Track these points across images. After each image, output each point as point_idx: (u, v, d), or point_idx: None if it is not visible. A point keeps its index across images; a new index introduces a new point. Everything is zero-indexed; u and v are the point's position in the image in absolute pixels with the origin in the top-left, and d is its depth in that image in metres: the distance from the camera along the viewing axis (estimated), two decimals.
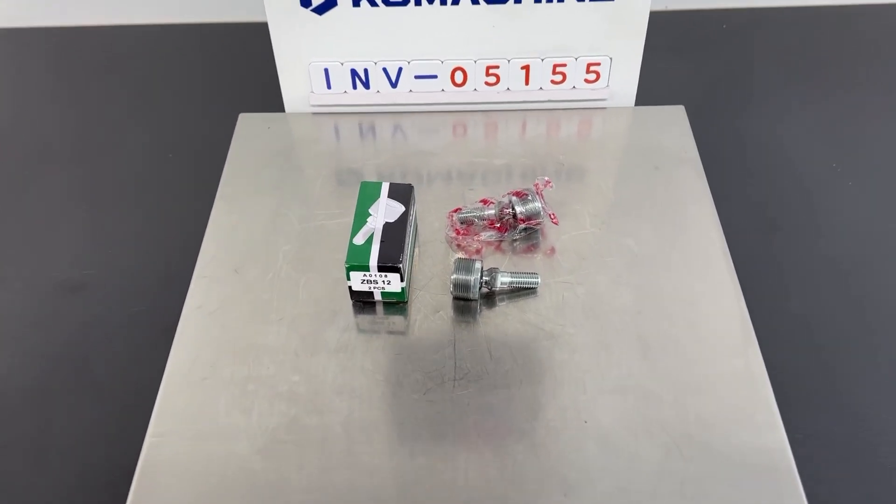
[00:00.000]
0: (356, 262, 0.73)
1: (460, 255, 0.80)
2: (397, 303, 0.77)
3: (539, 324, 0.74)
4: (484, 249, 0.81)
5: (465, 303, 0.76)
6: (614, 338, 0.73)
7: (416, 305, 0.77)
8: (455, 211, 0.84)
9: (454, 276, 0.74)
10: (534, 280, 0.76)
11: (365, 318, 0.76)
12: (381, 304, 0.77)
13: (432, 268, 0.80)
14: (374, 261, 0.73)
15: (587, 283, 0.78)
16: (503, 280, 0.76)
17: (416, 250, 0.82)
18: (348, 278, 0.74)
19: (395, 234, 0.75)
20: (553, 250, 0.82)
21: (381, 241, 0.74)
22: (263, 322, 0.75)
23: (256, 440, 0.66)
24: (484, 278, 0.75)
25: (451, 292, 0.74)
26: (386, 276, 0.73)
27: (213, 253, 0.83)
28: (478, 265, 0.74)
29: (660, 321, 0.75)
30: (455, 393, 0.69)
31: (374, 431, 0.66)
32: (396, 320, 0.75)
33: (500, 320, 0.75)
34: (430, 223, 0.85)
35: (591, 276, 0.79)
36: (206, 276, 0.80)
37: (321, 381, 0.70)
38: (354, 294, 0.76)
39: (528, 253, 0.81)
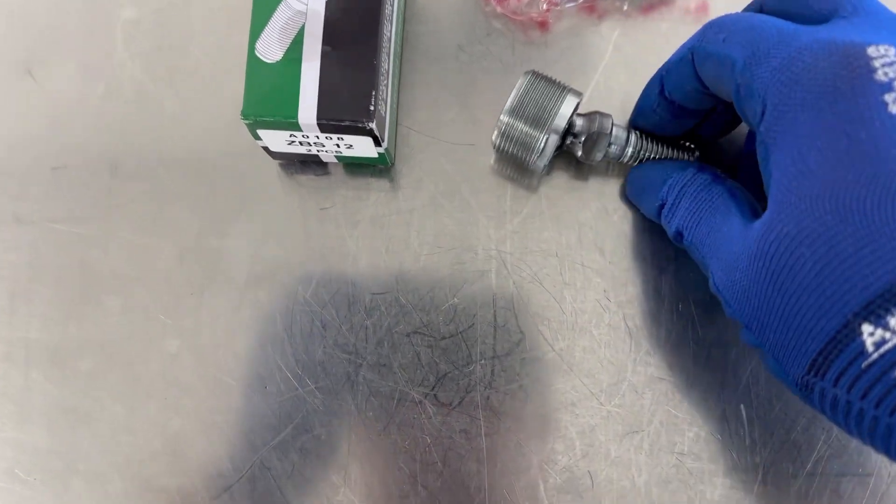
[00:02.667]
0: (266, 113, 0.31)
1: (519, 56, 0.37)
2: (374, 166, 0.36)
3: None
4: (555, 23, 0.37)
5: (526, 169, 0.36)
6: None
7: (416, 172, 0.36)
8: None
9: (506, 120, 0.32)
10: (682, 154, 0.33)
11: (303, 204, 0.36)
12: (341, 166, 0.36)
13: (447, 64, 0.37)
14: (308, 113, 0.30)
15: None
16: (613, 149, 0.33)
17: (405, 28, 0.37)
18: (256, 137, 0.33)
19: (357, 33, 0.31)
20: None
21: (325, 55, 0.30)
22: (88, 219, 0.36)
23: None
24: (575, 132, 0.33)
25: (497, 146, 0.33)
26: (342, 138, 0.32)
27: None
28: (566, 105, 0.31)
29: None
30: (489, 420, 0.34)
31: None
32: (366, 211, 0.36)
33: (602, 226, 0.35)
34: None
35: None
36: None
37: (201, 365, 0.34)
38: (277, 155, 0.35)
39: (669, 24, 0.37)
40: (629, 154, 0.33)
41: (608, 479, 0.33)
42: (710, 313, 0.34)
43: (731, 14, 0.27)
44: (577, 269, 0.35)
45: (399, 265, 0.35)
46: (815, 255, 0.21)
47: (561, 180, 0.35)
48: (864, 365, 0.19)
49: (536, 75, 0.32)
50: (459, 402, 0.34)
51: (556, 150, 0.32)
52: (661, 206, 0.30)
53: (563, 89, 0.31)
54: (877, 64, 0.21)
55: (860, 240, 0.20)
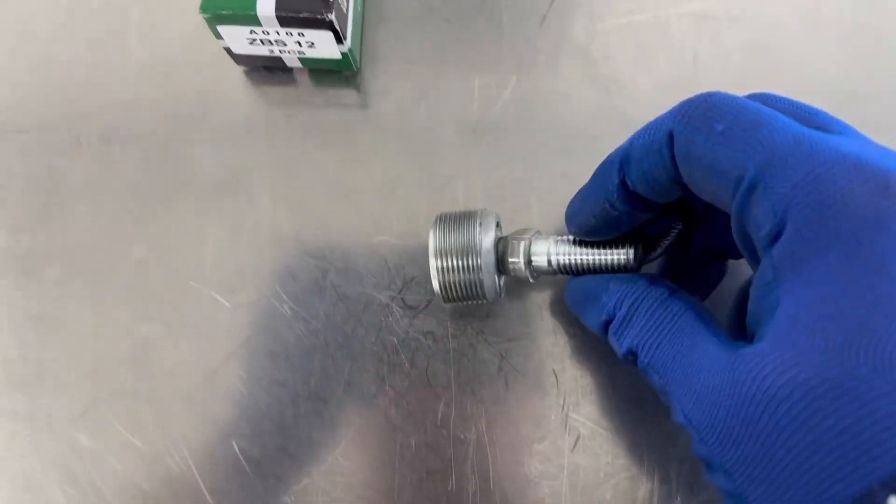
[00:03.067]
0: (224, 5, 0.30)
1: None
2: (340, 71, 0.36)
3: None
4: None
5: None
6: None
7: (382, 79, 0.36)
8: None
9: (437, 265, 0.30)
10: (616, 257, 0.29)
11: (269, 112, 0.36)
12: (306, 72, 0.36)
13: None
14: (266, 5, 0.30)
15: None
16: (537, 260, 0.30)
17: None
18: (217, 34, 0.32)
19: None
20: None
21: None
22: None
23: None
24: (507, 257, 0.30)
25: (443, 297, 0.30)
26: (303, 33, 0.32)
27: None
28: (485, 226, 0.29)
29: None
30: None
31: None
32: (333, 118, 0.36)
33: None
34: None
35: None
36: None
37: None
38: (241, 59, 0.35)
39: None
40: (556, 264, 0.30)
41: (573, 377, 0.33)
42: None
43: (721, 95, 0.22)
44: (543, 176, 0.35)
45: (366, 171, 0.35)
46: (840, 410, 0.18)
47: (529, 95, 0.35)
48: None
49: (444, 216, 0.30)
50: (426, 305, 0.34)
51: (498, 272, 0.30)
52: (608, 322, 0.27)
53: (476, 215, 0.30)
54: None
55: None
